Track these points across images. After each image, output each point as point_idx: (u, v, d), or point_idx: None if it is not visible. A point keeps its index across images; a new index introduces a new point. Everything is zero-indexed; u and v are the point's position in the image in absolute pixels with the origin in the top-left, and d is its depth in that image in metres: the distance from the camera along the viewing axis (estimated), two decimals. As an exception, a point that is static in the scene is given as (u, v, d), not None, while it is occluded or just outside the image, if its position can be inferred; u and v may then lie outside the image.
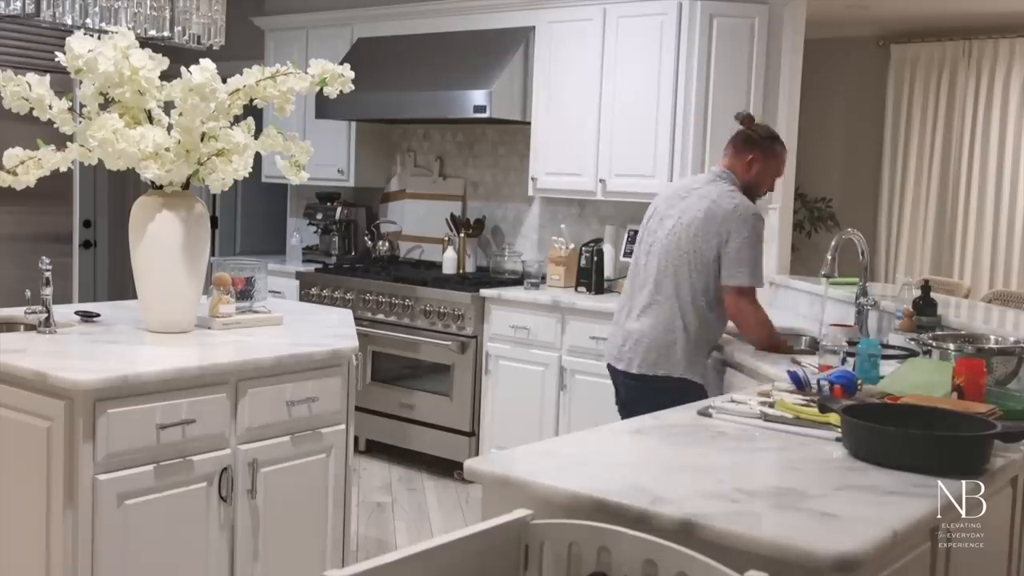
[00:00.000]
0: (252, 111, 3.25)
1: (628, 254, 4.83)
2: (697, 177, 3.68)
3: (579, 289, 5.19)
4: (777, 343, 3.48)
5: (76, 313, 3.40)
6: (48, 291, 3.12)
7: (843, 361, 2.80)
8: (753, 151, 3.48)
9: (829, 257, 3.70)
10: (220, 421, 2.87)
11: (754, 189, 3.51)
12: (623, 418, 3.44)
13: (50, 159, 3.07)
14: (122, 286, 6.00)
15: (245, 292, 3.50)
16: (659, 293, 3.42)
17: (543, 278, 5.34)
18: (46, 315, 3.14)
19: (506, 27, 5.41)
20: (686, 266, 3.38)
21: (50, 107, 3.04)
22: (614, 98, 5.01)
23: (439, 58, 5.57)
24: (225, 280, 3.37)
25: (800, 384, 2.57)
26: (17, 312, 3.31)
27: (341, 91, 3.23)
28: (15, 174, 3.06)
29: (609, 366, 3.61)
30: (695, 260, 3.37)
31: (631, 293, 3.56)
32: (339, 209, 6.21)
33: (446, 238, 5.82)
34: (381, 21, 5.94)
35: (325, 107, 5.62)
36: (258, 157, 3.27)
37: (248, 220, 7.21)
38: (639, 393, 3.44)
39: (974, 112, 7.13)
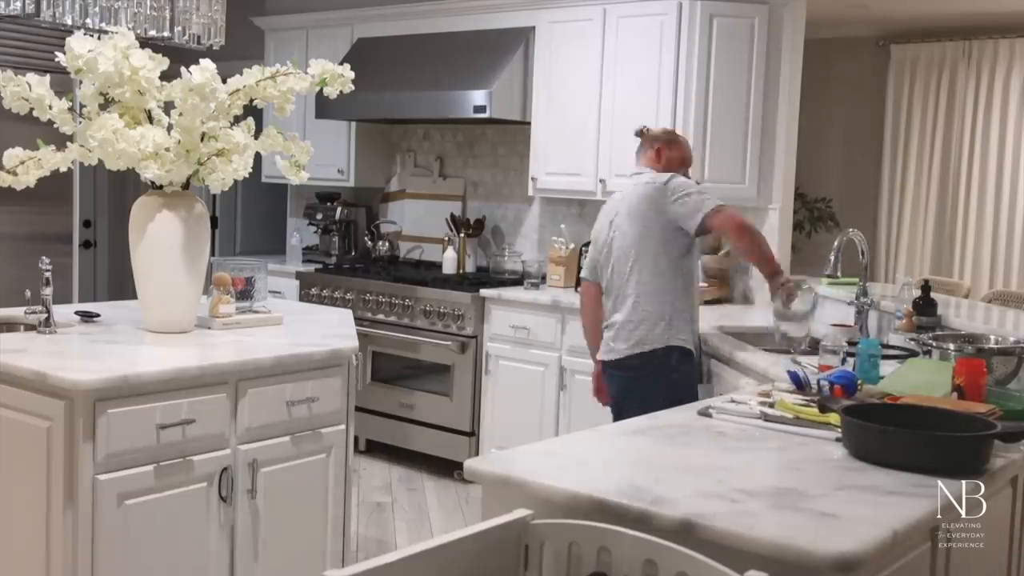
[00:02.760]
0: (252, 111, 3.25)
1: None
2: (621, 189, 3.86)
3: (579, 289, 5.18)
4: (771, 257, 3.62)
5: (76, 313, 3.40)
6: (48, 291, 3.12)
7: (843, 361, 2.79)
8: (655, 144, 3.76)
9: (832, 258, 3.72)
10: (220, 421, 2.87)
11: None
12: (615, 419, 3.48)
13: (50, 159, 3.07)
14: (122, 286, 6.00)
15: (245, 292, 3.50)
16: (628, 286, 3.59)
17: (543, 278, 5.34)
18: (46, 315, 3.14)
19: (506, 27, 5.41)
20: (643, 249, 3.56)
21: (50, 107, 3.04)
22: (614, 98, 5.01)
23: (439, 58, 5.57)
24: (225, 280, 3.37)
25: (800, 384, 2.57)
26: (17, 312, 3.31)
27: (341, 91, 3.23)
28: (15, 174, 3.06)
29: (601, 362, 3.74)
30: (649, 239, 3.55)
31: (608, 302, 3.72)
32: (339, 209, 6.21)
33: (446, 238, 5.82)
34: (381, 21, 5.94)
35: (325, 107, 5.62)
36: (258, 157, 3.27)
37: (248, 220, 7.21)
38: (623, 383, 3.62)
39: (974, 112, 7.13)
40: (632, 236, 3.59)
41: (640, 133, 3.86)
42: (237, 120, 3.19)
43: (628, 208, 3.62)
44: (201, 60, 3.05)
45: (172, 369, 2.78)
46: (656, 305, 3.54)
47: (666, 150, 3.75)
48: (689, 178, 3.72)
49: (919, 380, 2.54)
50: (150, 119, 3.10)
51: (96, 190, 6.78)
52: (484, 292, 5.16)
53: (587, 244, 5.21)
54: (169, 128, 3.11)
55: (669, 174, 3.61)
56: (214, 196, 6.18)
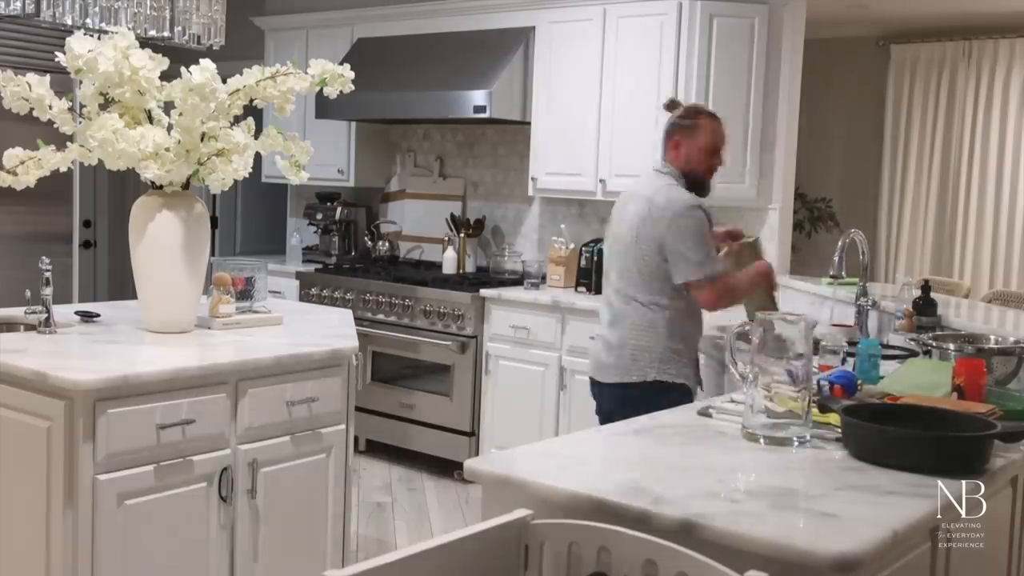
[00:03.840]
0: (252, 111, 3.24)
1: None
2: (640, 179, 3.54)
3: (579, 289, 5.20)
4: (755, 282, 3.42)
5: (76, 313, 3.40)
6: (48, 291, 3.12)
7: (843, 361, 2.79)
8: (675, 135, 3.37)
9: (836, 258, 3.72)
10: (220, 421, 2.87)
11: (693, 173, 3.36)
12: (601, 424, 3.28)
13: (50, 159, 3.07)
14: (122, 286, 6.00)
15: (245, 292, 3.50)
16: (620, 300, 3.34)
17: (543, 278, 5.34)
18: (46, 315, 3.14)
19: (506, 27, 5.41)
20: (637, 269, 3.29)
21: (50, 107, 3.04)
22: (614, 98, 5.01)
23: (439, 58, 5.57)
24: (225, 280, 3.37)
25: (794, 379, 2.55)
26: (17, 312, 3.31)
27: (341, 91, 3.22)
28: (15, 174, 3.06)
29: (590, 378, 3.51)
30: (643, 262, 3.27)
31: (604, 300, 3.48)
32: (339, 209, 6.21)
33: (446, 238, 5.82)
34: (381, 21, 5.94)
35: (325, 107, 5.62)
36: (258, 157, 3.27)
37: (248, 220, 7.21)
38: (618, 404, 3.29)
39: (974, 112, 7.12)
40: (629, 252, 3.31)
41: (667, 107, 3.47)
42: (237, 120, 3.19)
43: (631, 222, 3.30)
44: (201, 60, 3.05)
45: (172, 369, 2.78)
46: (643, 326, 3.30)
47: (684, 142, 3.34)
48: (719, 163, 3.39)
49: (919, 380, 2.54)
50: (150, 119, 3.10)
51: (96, 190, 6.78)
52: (484, 292, 5.16)
53: (587, 244, 5.23)
54: (169, 128, 3.11)
55: (677, 197, 3.25)
56: (214, 196, 6.18)
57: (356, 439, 4.70)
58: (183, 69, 3.05)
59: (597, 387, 3.47)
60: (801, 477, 2.00)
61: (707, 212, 3.29)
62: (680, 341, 3.31)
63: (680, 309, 3.30)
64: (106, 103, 3.08)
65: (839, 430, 2.17)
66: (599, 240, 5.23)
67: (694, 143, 3.34)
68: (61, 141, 3.13)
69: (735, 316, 3.25)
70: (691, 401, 3.24)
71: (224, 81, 3.11)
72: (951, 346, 2.87)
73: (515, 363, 5.04)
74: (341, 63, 3.27)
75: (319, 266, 6.02)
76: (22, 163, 3.05)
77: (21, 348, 2.91)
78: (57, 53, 3.04)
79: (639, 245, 3.26)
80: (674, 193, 3.27)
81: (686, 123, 3.37)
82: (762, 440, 2.17)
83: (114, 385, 2.63)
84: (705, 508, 1.71)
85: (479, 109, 5.17)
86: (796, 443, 2.16)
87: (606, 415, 3.37)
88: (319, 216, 6.26)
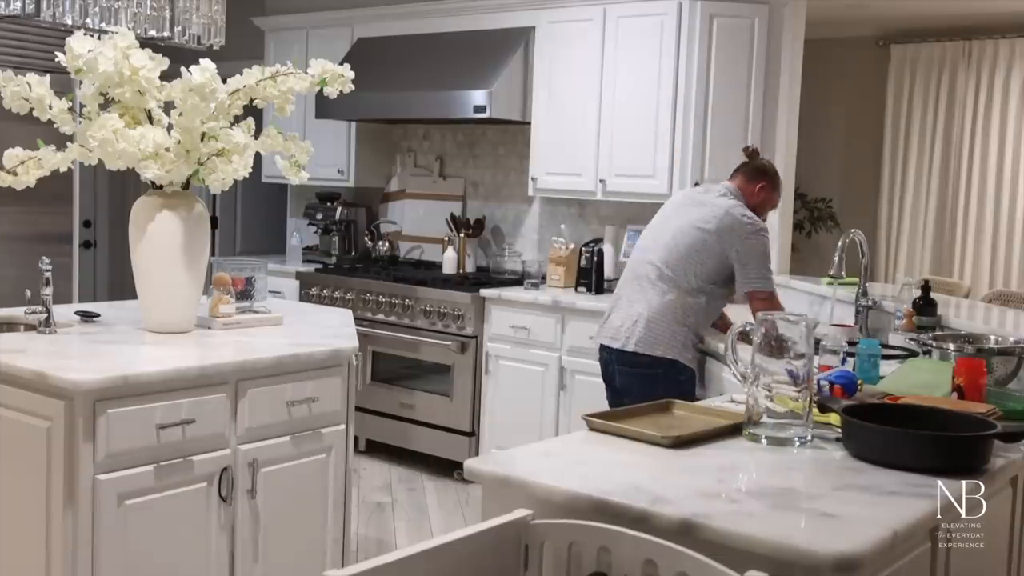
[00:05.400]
0: (252, 111, 3.24)
1: (628, 254, 4.83)
2: (710, 187, 3.91)
3: (579, 289, 5.19)
4: None
5: (76, 313, 3.40)
6: (48, 291, 3.12)
7: (843, 361, 2.79)
8: (763, 179, 3.80)
9: (836, 259, 3.74)
10: (220, 421, 2.87)
11: (756, 214, 3.77)
12: (612, 405, 3.64)
13: (50, 159, 3.07)
14: (122, 286, 6.00)
15: (245, 292, 3.49)
16: (662, 279, 3.67)
17: (543, 278, 5.34)
18: (46, 315, 3.14)
19: (506, 27, 5.41)
20: (694, 261, 3.64)
21: (50, 107, 3.04)
22: (614, 98, 5.01)
23: (439, 58, 5.57)
24: (225, 280, 3.37)
25: (796, 379, 2.55)
26: (17, 312, 3.31)
27: (341, 91, 3.22)
28: (15, 174, 3.06)
29: (602, 347, 3.80)
30: (703, 256, 3.63)
31: (634, 280, 3.78)
32: (339, 209, 6.21)
33: (446, 238, 5.82)
34: (381, 21, 5.94)
35: (325, 107, 5.62)
36: (258, 157, 3.27)
37: (248, 220, 7.20)
38: (635, 379, 3.66)
39: (974, 112, 7.12)
40: (690, 245, 3.65)
41: (751, 153, 3.90)
42: (237, 120, 3.19)
43: (702, 222, 3.65)
44: (201, 60, 3.05)
45: (172, 369, 2.78)
46: (679, 309, 3.66)
47: (767, 191, 3.79)
48: (766, 220, 3.82)
49: (919, 380, 2.54)
50: (150, 119, 3.10)
51: (96, 190, 6.78)
52: (484, 292, 5.16)
53: (587, 244, 5.23)
54: (169, 128, 3.10)
55: (753, 216, 3.66)
56: (214, 196, 6.19)
57: (356, 439, 4.70)
58: (183, 69, 3.05)
59: (614, 355, 3.74)
60: (801, 477, 2.00)
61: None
62: (696, 333, 3.71)
63: (707, 306, 3.70)
64: (106, 103, 3.08)
65: (839, 430, 2.17)
66: (599, 240, 5.24)
67: (772, 197, 3.85)
68: (61, 141, 3.13)
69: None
70: (695, 386, 3.69)
71: (224, 81, 3.10)
72: (951, 346, 2.87)
73: (515, 363, 5.04)
74: (341, 63, 3.26)
75: (319, 266, 6.03)
76: (22, 163, 3.05)
77: (21, 348, 2.91)
78: (57, 53, 3.04)
79: (707, 239, 3.63)
80: (750, 213, 3.70)
81: (773, 176, 3.85)
82: (763, 440, 2.17)
83: (114, 385, 2.63)
84: (705, 508, 1.71)
85: (479, 109, 5.17)
86: (797, 443, 2.16)
87: (619, 392, 3.73)
88: (319, 216, 6.26)
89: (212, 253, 3.45)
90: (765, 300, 3.62)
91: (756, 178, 3.80)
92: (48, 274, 3.12)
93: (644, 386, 3.51)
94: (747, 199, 3.75)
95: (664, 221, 3.81)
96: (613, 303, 3.84)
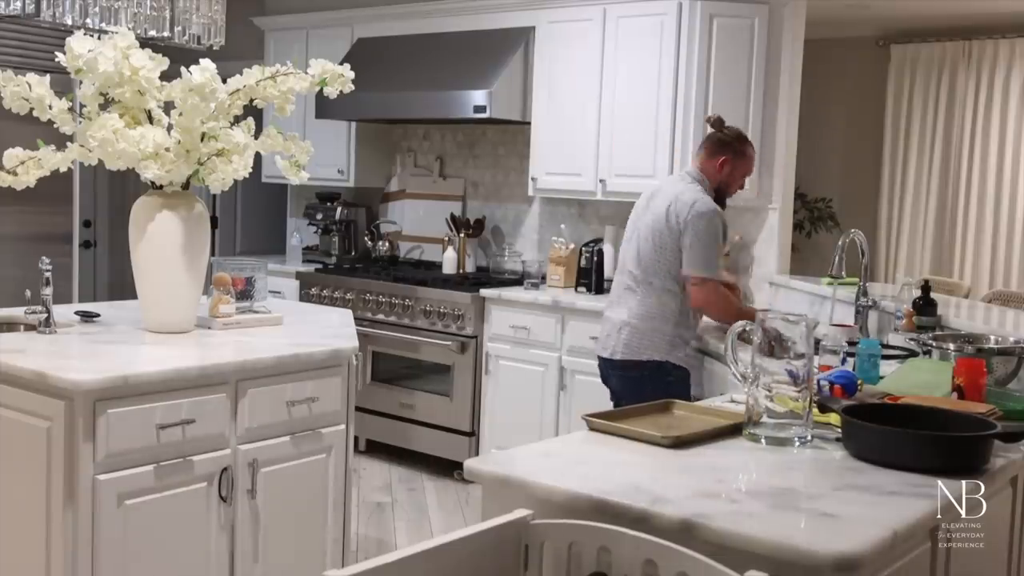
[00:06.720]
0: (252, 111, 3.24)
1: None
2: (670, 177, 3.93)
3: (579, 289, 5.20)
4: (742, 314, 3.54)
5: (76, 313, 3.40)
6: (48, 291, 3.12)
7: (843, 361, 2.79)
8: (725, 153, 3.70)
9: (836, 259, 3.74)
10: (220, 421, 2.87)
11: (725, 189, 3.75)
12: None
13: (50, 159, 3.07)
14: (122, 286, 5.99)
15: (245, 292, 3.50)
16: (637, 283, 3.67)
17: (543, 278, 5.34)
18: (46, 315, 3.14)
19: (506, 27, 5.41)
20: (656, 256, 3.62)
21: (50, 107, 3.04)
22: (614, 98, 5.01)
23: (439, 58, 5.57)
24: (225, 280, 3.37)
25: (796, 379, 2.55)
26: (17, 312, 3.31)
27: (341, 91, 3.22)
28: (15, 174, 3.06)
29: (599, 357, 3.82)
30: (663, 252, 3.61)
31: (618, 287, 3.80)
32: (339, 209, 6.21)
33: (446, 238, 5.82)
34: (381, 21, 5.94)
35: (325, 107, 5.62)
36: (258, 157, 3.27)
37: (248, 220, 7.20)
38: (626, 383, 3.67)
39: (974, 112, 7.12)
40: (650, 241, 3.63)
41: (713, 123, 3.76)
42: (237, 120, 3.19)
43: (655, 215, 3.63)
44: (201, 60, 3.05)
45: (172, 369, 2.78)
46: (656, 309, 3.64)
47: (731, 163, 3.71)
48: (743, 188, 3.80)
49: (919, 380, 2.54)
50: (150, 119, 3.10)
51: (96, 190, 6.76)
52: (484, 292, 5.16)
53: (587, 244, 5.23)
54: (169, 128, 3.11)
55: (701, 199, 3.58)
56: (214, 196, 6.18)
57: (356, 439, 4.70)
58: (183, 69, 3.05)
59: (607, 364, 3.76)
60: (801, 477, 2.00)
61: (724, 224, 3.65)
62: (686, 329, 3.67)
63: (685, 301, 3.64)
64: (106, 103, 3.08)
65: (839, 430, 2.16)
66: (599, 240, 5.24)
67: (739, 168, 3.73)
68: (61, 141, 3.13)
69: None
70: (689, 385, 3.62)
71: (224, 81, 3.11)
72: (951, 346, 2.87)
73: (515, 363, 5.04)
74: (341, 63, 3.27)
75: (319, 266, 6.03)
76: (22, 163, 3.05)
77: (21, 348, 2.91)
78: (57, 53, 3.04)
79: (662, 235, 3.60)
80: (702, 196, 3.62)
81: (737, 147, 3.73)
82: (763, 440, 2.17)
83: (114, 385, 2.63)
84: (705, 508, 1.71)
85: (479, 109, 5.17)
86: (797, 443, 2.16)
87: (616, 396, 3.73)
88: (319, 216, 6.26)
89: (212, 253, 3.45)
90: (699, 286, 3.56)
91: (716, 153, 3.71)
92: (48, 274, 3.13)
93: (633, 390, 3.51)
94: (711, 177, 3.68)
95: (633, 224, 3.79)
96: (604, 312, 3.86)
